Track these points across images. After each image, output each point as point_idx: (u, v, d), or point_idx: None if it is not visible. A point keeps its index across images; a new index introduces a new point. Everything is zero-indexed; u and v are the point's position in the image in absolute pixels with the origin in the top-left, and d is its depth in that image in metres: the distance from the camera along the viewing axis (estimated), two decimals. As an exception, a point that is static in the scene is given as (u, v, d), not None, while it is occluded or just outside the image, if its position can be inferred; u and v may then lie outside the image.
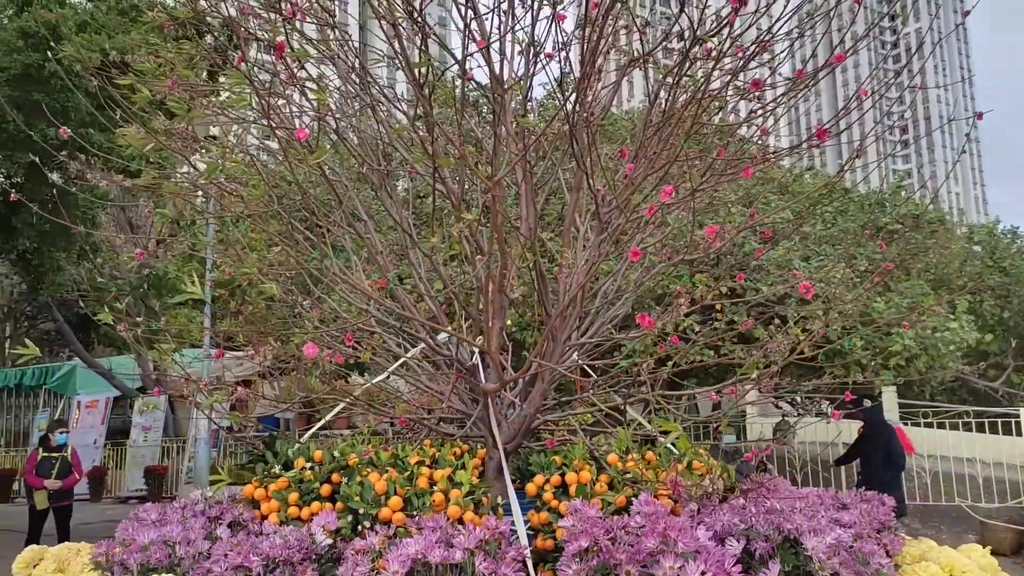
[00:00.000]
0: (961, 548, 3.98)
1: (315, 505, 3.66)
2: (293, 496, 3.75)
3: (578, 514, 3.02)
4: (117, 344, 20.37)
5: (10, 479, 16.27)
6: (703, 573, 2.74)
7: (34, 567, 3.81)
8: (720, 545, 3.17)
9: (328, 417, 4.39)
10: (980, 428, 13.61)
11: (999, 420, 13.28)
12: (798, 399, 22.08)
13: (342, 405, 4.36)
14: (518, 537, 3.34)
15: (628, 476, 3.63)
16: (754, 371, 3.88)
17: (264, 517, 3.71)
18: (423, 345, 4.48)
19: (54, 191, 9.83)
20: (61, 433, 8.66)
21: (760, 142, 4.34)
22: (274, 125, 3.31)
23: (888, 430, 9.83)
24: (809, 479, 13.10)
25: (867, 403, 9.31)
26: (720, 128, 4.22)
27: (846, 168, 3.79)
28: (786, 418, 16.02)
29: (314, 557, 3.06)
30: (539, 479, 3.71)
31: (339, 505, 3.60)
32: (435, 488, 3.55)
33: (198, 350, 11.06)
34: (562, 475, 3.68)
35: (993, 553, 13.16)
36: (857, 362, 11.32)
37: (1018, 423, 12.93)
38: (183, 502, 3.94)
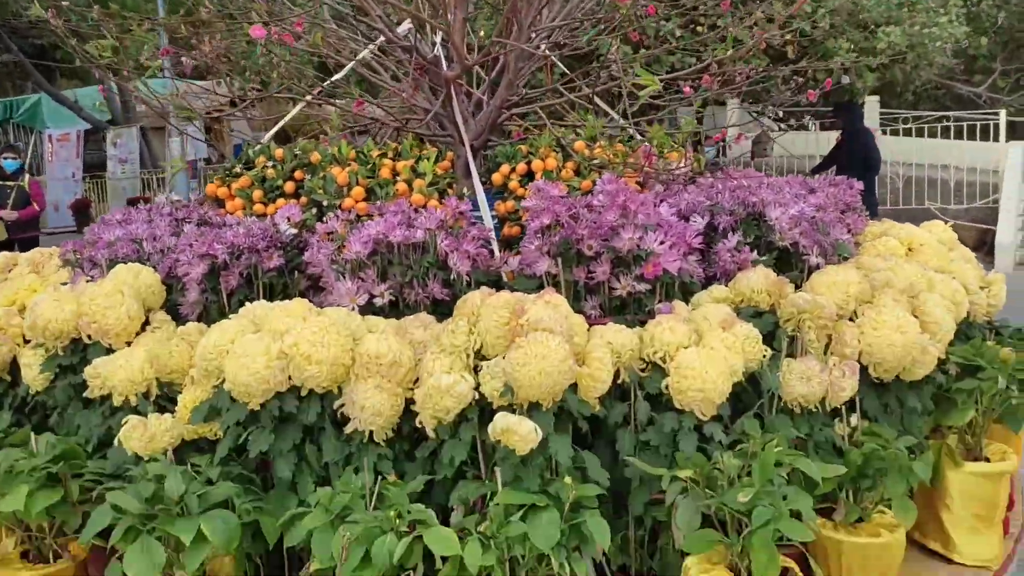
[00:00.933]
0: (923, 224, 4.05)
1: (280, 202, 3.63)
2: (257, 194, 3.71)
3: (540, 193, 2.99)
4: (80, 75, 19.54)
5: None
6: (662, 243, 2.77)
7: (9, 271, 3.84)
8: (685, 222, 3.20)
9: (291, 114, 4.24)
10: (959, 135, 13.53)
11: (978, 124, 13.19)
12: (780, 113, 21.84)
13: (303, 104, 4.19)
14: (484, 222, 3.34)
15: (595, 162, 3.58)
16: (727, 50, 3.67)
17: (230, 215, 3.70)
18: (383, 39, 4.21)
19: None
20: (8, 159, 7.98)
21: None
22: None
23: (868, 135, 9.74)
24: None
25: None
26: None
27: None
28: (766, 131, 15.94)
29: (279, 245, 3.08)
30: (504, 168, 3.65)
31: (303, 199, 3.58)
32: (398, 178, 3.51)
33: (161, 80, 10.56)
34: (528, 163, 3.62)
35: (955, 251, 13.25)
36: (840, 64, 10.97)
37: (996, 126, 12.88)
38: (148, 206, 3.90)
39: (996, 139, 13.19)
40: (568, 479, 2.20)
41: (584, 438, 2.51)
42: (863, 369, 2.73)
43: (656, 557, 2.59)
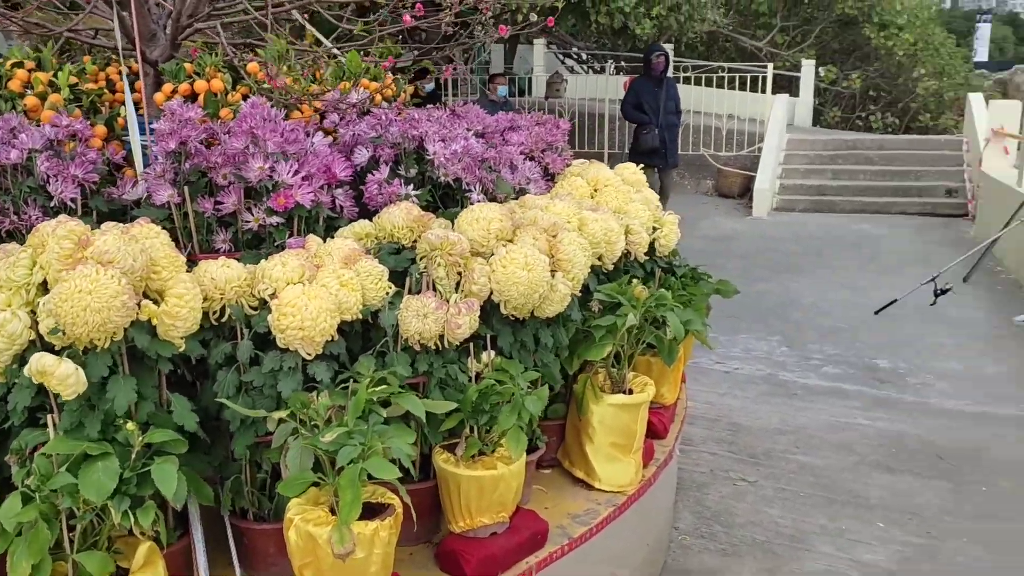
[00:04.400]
0: (617, 167, 4.15)
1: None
2: None
3: (174, 116, 2.74)
4: None
5: None
6: (296, 173, 2.62)
7: None
8: (348, 155, 3.06)
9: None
10: (741, 86, 14.26)
11: (749, 76, 13.95)
12: (583, 55, 22.10)
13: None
14: (131, 152, 3.04)
15: (266, 87, 3.35)
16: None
17: None
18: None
19: None
20: None
21: None
22: None
23: (674, 81, 10.10)
24: (582, 133, 13.56)
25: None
26: None
27: None
28: (559, 72, 16.15)
29: None
30: (167, 88, 3.34)
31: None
32: (29, 92, 3.12)
33: None
34: (192, 84, 3.33)
35: (724, 195, 14.56)
36: (620, 10, 11.19)
37: (764, 79, 13.69)
38: None
39: (764, 91, 14.02)
40: (131, 425, 2.04)
41: (186, 380, 2.35)
42: (498, 306, 2.73)
43: (275, 499, 2.50)
